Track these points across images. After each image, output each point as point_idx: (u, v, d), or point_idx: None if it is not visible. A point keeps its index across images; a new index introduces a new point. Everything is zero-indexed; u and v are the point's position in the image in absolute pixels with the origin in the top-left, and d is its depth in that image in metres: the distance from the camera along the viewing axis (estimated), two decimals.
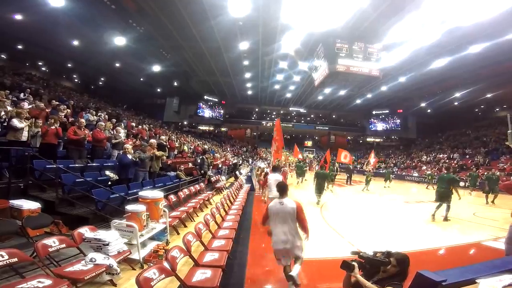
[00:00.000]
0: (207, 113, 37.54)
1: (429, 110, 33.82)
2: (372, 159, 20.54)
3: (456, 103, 29.69)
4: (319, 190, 10.19)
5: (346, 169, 20.86)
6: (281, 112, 42.80)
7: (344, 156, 16.88)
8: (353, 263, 2.22)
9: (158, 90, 34.65)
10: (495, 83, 22.29)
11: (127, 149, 7.29)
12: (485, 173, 16.11)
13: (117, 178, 7.04)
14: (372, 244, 5.42)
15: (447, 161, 26.02)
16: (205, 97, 36.29)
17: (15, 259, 2.78)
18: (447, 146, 30.57)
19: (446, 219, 7.85)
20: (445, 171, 9.49)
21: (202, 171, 12.15)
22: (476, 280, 1.81)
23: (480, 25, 14.09)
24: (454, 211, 9.61)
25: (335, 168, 17.66)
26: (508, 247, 3.75)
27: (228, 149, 34.15)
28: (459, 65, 19.54)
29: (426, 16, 13.79)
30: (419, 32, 15.38)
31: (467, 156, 25.53)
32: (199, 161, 12.93)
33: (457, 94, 26.77)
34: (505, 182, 4.24)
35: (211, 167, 13.62)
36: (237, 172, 18.56)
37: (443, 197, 7.86)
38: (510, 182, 4.21)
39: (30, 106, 8.57)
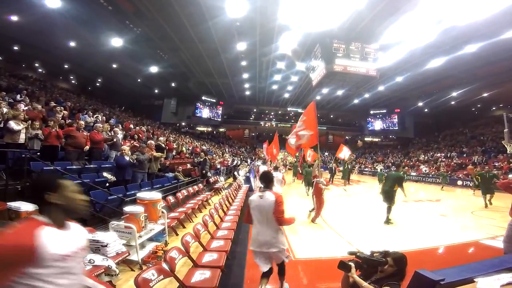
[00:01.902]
0: (205, 114, 37.48)
1: (426, 110, 33.96)
2: (346, 152, 17.13)
3: (452, 103, 29.85)
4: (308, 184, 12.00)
5: (330, 169, 21.00)
6: (279, 112, 42.84)
7: (308, 155, 15.23)
8: (350, 263, 2.23)
9: (156, 91, 34.53)
10: (491, 82, 22.42)
11: (125, 150, 7.28)
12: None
13: (115, 179, 7.02)
14: (371, 244, 5.44)
15: (444, 160, 26.16)
16: (203, 98, 36.23)
17: None
18: (444, 145, 30.74)
19: (387, 221, 7.22)
20: (395, 168, 8.96)
21: (204, 171, 12.18)
22: (474, 279, 1.82)
23: (475, 25, 14.18)
24: (452, 209, 9.67)
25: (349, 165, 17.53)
26: (507, 246, 3.78)
27: (227, 149, 34.13)
28: (455, 65, 19.66)
29: (422, 16, 13.86)
30: (415, 32, 15.46)
31: (464, 155, 25.67)
32: (201, 161, 12.93)
33: (454, 94, 26.89)
34: (502, 181, 4.26)
35: (210, 168, 13.64)
36: (235, 173, 18.55)
37: (388, 197, 7.35)
38: (508, 180, 4.23)
39: (27, 108, 8.53)
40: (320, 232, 6.53)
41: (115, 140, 8.72)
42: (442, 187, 17.89)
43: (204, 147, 23.78)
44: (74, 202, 1.48)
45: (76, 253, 1.42)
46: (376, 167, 28.01)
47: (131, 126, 14.54)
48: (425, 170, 24.42)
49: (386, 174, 9.28)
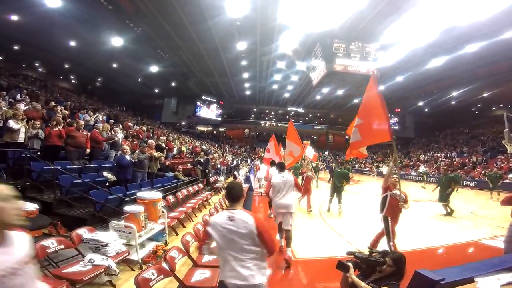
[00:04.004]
0: (205, 113, 37.47)
1: (426, 109, 33.96)
2: (310, 151, 15.74)
3: (453, 102, 29.83)
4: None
5: (330, 169, 21.18)
6: (279, 112, 42.81)
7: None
8: (348, 263, 2.23)
9: (156, 90, 34.56)
10: (492, 82, 22.43)
11: (125, 150, 7.27)
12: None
13: (115, 179, 7.02)
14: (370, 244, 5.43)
15: (444, 159, 26.15)
16: (203, 97, 36.22)
17: None
18: (444, 145, 30.73)
19: (329, 210, 8.62)
20: (340, 166, 9.70)
21: (207, 170, 12.22)
22: (474, 279, 1.82)
23: (476, 25, 14.16)
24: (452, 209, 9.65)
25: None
26: (508, 246, 3.77)
27: (227, 149, 34.13)
28: (456, 65, 19.63)
29: (422, 15, 13.84)
30: (415, 31, 15.43)
31: (465, 155, 25.66)
32: (200, 160, 12.93)
33: (454, 93, 26.87)
34: (503, 199, 4.28)
35: (211, 168, 13.67)
36: (235, 172, 18.55)
37: (339, 191, 8.53)
38: (506, 196, 4.25)
39: (27, 108, 8.53)
40: (320, 232, 6.53)
41: (116, 139, 8.73)
42: (456, 189, 16.55)
43: (204, 147, 23.78)
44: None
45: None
46: (381, 168, 27.91)
47: (130, 124, 14.52)
48: (423, 170, 24.37)
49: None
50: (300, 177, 9.64)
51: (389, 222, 4.55)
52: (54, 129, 6.76)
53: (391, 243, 4.51)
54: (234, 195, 2.35)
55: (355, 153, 6.96)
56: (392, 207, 4.53)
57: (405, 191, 4.59)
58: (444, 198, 8.71)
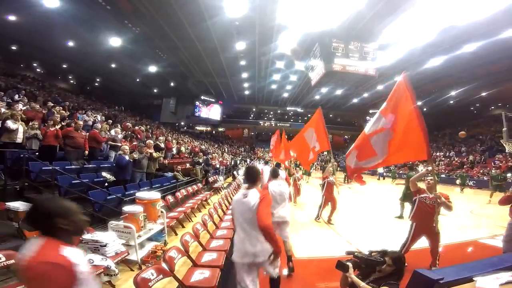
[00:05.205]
0: (204, 113, 37.44)
1: (425, 109, 33.98)
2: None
3: (451, 102, 29.89)
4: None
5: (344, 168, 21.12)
6: (278, 111, 42.83)
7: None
8: (348, 263, 2.23)
9: (155, 90, 34.55)
10: (490, 81, 22.49)
11: (125, 150, 7.26)
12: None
13: (114, 179, 7.01)
14: (370, 243, 5.44)
15: (443, 159, 26.20)
16: (202, 97, 36.22)
17: (13, 261, 2.76)
18: (443, 144, 30.78)
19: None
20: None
21: (209, 168, 12.26)
22: (473, 278, 1.82)
23: (474, 24, 14.19)
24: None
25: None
26: (506, 245, 3.78)
27: (226, 149, 34.10)
28: (454, 64, 19.68)
29: (420, 15, 13.87)
30: (414, 31, 15.47)
31: (464, 154, 25.71)
32: (201, 161, 12.94)
33: (453, 93, 26.94)
34: (501, 199, 4.28)
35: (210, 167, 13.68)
36: (235, 172, 18.53)
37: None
38: (504, 196, 4.26)
39: (25, 108, 8.51)
40: (319, 231, 6.53)
41: (119, 143, 8.72)
42: (462, 190, 16.22)
43: (202, 147, 23.76)
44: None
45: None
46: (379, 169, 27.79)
47: (129, 125, 14.48)
48: (421, 170, 24.32)
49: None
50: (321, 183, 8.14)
51: (412, 228, 4.18)
52: (50, 129, 6.74)
53: (402, 251, 4.07)
54: (276, 176, 4.47)
55: (357, 175, 5.14)
56: (420, 212, 4.11)
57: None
58: (403, 197, 7.91)
